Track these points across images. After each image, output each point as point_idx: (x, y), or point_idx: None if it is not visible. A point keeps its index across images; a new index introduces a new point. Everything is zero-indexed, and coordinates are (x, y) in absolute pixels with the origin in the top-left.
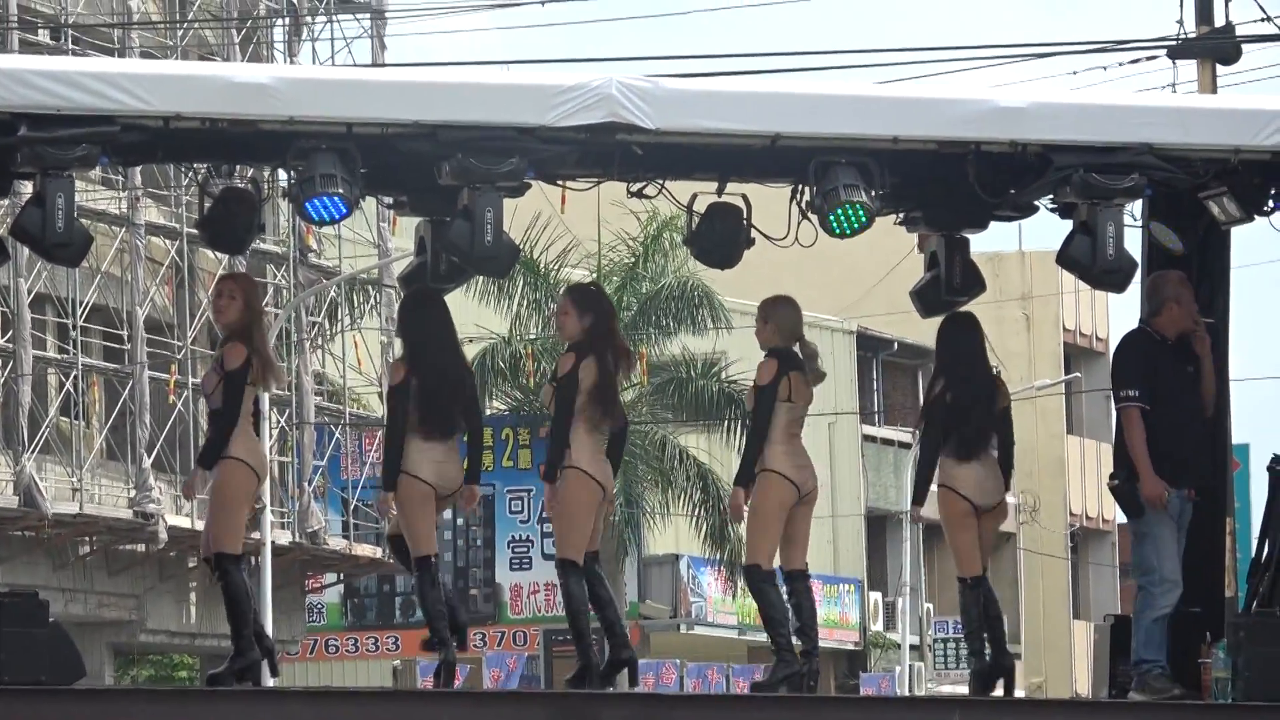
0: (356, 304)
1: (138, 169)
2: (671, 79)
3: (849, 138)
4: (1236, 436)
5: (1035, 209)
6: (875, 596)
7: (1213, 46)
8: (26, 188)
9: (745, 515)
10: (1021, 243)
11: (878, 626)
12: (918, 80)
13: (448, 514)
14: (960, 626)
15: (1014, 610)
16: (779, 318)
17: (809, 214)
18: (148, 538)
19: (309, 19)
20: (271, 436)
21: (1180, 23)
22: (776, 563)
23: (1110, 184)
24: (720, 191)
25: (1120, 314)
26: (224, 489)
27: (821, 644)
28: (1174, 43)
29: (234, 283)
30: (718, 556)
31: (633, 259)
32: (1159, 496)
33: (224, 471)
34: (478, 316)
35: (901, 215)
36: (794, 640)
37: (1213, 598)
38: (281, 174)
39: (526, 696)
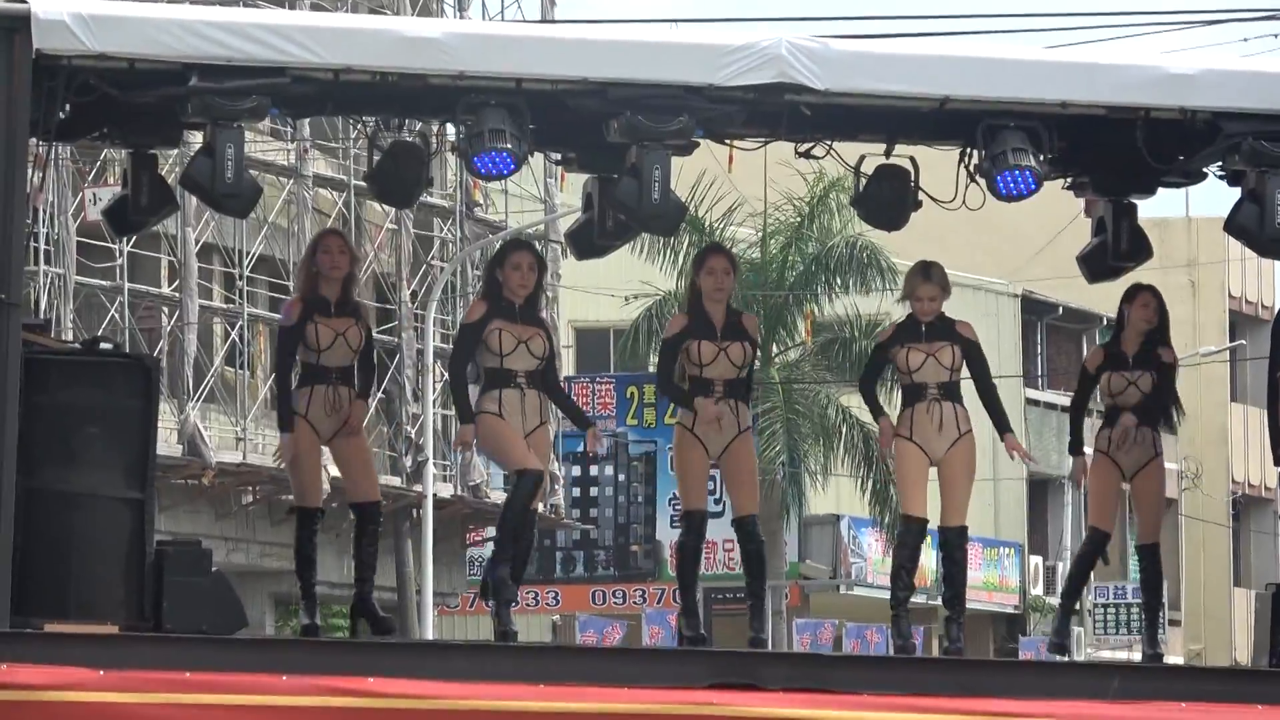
0: None
1: (306, 121)
2: (841, 40)
3: (1018, 102)
4: None
5: (1204, 176)
6: (1035, 560)
7: None
8: (196, 138)
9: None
10: (1189, 209)
11: (1037, 590)
12: (1087, 45)
13: (609, 470)
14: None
15: (1174, 577)
16: None
17: (977, 177)
18: None
19: None
20: (435, 390)
21: None
22: None
23: None
24: (888, 153)
25: None
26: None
27: (981, 607)
28: None
29: (342, 238)
30: (879, 517)
31: (798, 219)
32: None
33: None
34: (643, 273)
35: (1069, 180)
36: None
37: None
38: (450, 128)
39: (687, 653)
